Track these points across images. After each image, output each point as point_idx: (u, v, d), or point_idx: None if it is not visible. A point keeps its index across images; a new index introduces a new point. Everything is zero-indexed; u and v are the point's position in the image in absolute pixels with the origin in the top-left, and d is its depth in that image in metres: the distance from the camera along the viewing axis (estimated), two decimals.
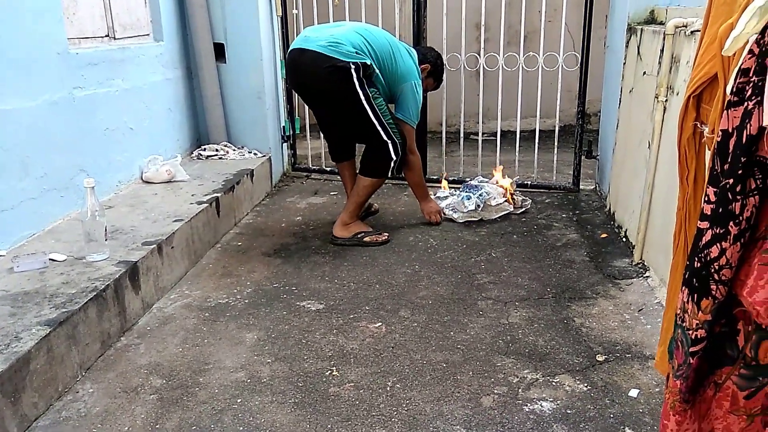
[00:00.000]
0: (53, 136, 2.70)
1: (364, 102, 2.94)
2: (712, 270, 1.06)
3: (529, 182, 3.96)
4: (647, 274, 2.68)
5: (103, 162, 3.09)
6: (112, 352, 2.19)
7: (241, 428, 1.80)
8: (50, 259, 2.37)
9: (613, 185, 3.41)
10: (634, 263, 2.80)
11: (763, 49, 0.97)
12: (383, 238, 3.16)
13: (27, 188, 2.57)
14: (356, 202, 3.21)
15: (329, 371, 2.08)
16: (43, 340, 1.86)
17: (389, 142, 3.08)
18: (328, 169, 4.38)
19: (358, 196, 3.21)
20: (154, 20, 3.65)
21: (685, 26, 2.40)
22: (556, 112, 3.88)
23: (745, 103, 0.99)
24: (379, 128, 3.04)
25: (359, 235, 3.14)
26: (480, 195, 3.48)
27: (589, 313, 2.41)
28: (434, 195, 3.64)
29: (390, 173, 3.20)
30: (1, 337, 1.85)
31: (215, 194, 3.26)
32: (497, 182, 3.64)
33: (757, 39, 0.99)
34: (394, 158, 3.13)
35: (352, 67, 2.87)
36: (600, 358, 2.11)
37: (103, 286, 2.18)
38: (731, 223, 1.02)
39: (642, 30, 2.98)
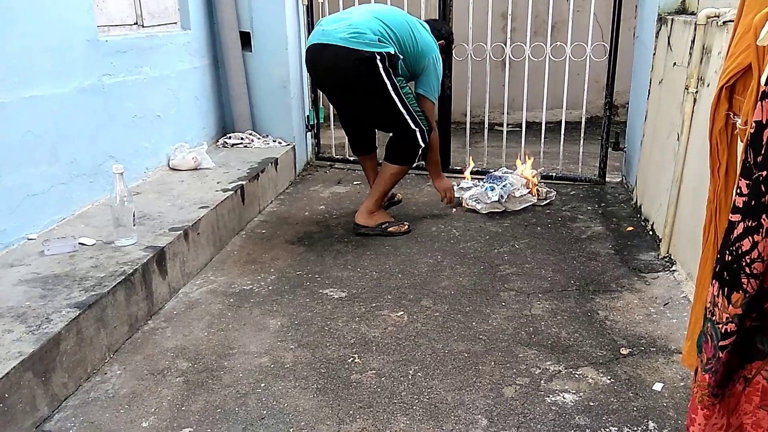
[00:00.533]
0: (82, 122, 2.75)
1: (392, 92, 2.93)
2: (744, 263, 1.04)
3: (554, 174, 3.93)
4: (674, 267, 2.65)
5: (131, 149, 3.13)
6: (139, 335, 2.24)
7: (265, 412, 1.83)
8: (80, 243, 2.42)
9: (641, 178, 3.37)
10: (660, 257, 2.76)
11: None
12: (405, 228, 3.15)
13: (57, 173, 2.62)
14: (382, 190, 3.19)
15: (351, 358, 2.09)
16: (73, 322, 1.90)
17: (417, 129, 3.07)
18: (352, 158, 4.38)
19: (384, 183, 3.18)
20: (182, 8, 3.68)
21: (717, 16, 2.34)
22: (583, 104, 3.83)
23: None
24: (407, 117, 3.03)
25: (383, 225, 3.13)
26: (504, 186, 3.46)
27: (613, 306, 2.39)
28: (457, 185, 3.63)
29: (416, 160, 3.18)
30: (33, 318, 1.89)
31: (240, 182, 3.29)
32: (521, 173, 3.61)
33: None
34: (422, 145, 3.11)
35: (378, 57, 2.86)
36: (624, 351, 2.10)
37: (131, 271, 2.22)
38: (764, 216, 1.00)
39: (673, 20, 2.93)
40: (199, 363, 2.07)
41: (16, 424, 1.66)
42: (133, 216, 2.46)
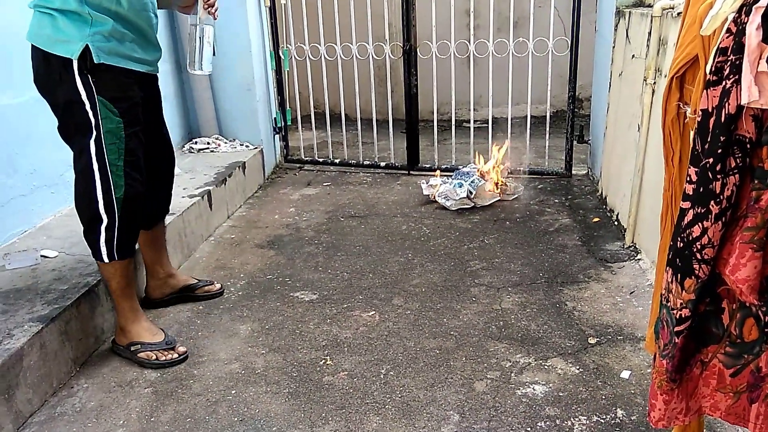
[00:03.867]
0: (41, 132, 2.68)
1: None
2: (695, 249, 1.06)
3: (521, 168, 3.96)
4: (639, 256, 2.70)
5: None
6: (105, 346, 2.20)
7: (236, 419, 1.81)
8: (42, 256, 2.37)
9: (605, 169, 3.42)
10: (625, 246, 2.81)
11: (740, 27, 0.97)
12: (169, 356, 2.09)
13: (16, 185, 2.57)
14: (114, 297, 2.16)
15: (323, 360, 2.09)
16: (36, 336, 1.86)
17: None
18: (321, 160, 4.38)
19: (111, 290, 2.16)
20: None
21: (672, 8, 2.39)
22: (548, 98, 3.87)
23: (724, 82, 1.00)
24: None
25: (132, 348, 2.11)
26: (472, 182, 3.49)
27: (581, 297, 2.42)
28: (427, 183, 3.65)
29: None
30: None
31: (207, 187, 3.25)
32: (480, 171, 3.63)
33: (734, 18, 0.99)
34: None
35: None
36: (592, 340, 2.13)
37: (94, 282, 2.18)
38: (712, 203, 1.02)
39: (630, 13, 2.97)
40: (168, 373, 2.05)
41: None
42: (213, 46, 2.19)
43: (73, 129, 1.95)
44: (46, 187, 2.74)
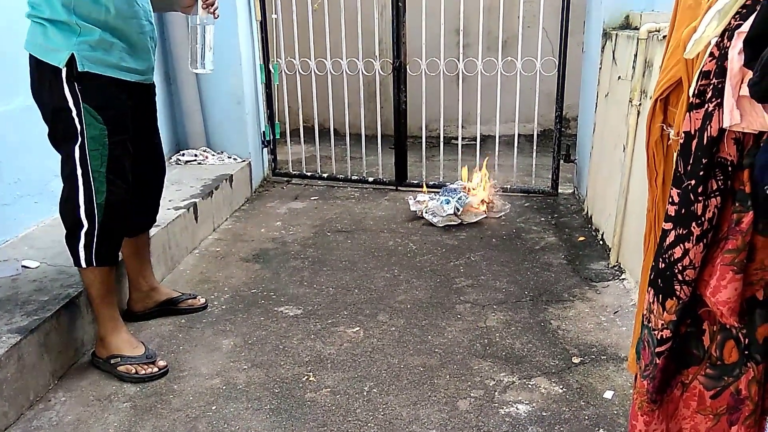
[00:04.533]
0: (27, 141, 2.66)
1: None
2: (676, 270, 1.07)
3: (508, 186, 3.98)
4: (623, 276, 2.71)
5: None
6: (85, 359, 2.16)
7: None
8: (23, 266, 2.34)
9: (591, 189, 3.44)
10: (610, 266, 2.82)
11: (723, 51, 0.98)
12: (149, 370, 2.06)
13: None
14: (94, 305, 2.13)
15: (306, 377, 2.07)
16: (14, 348, 1.83)
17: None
18: (309, 174, 4.37)
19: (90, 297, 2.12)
20: None
21: (658, 31, 2.43)
22: (535, 117, 3.90)
23: (706, 105, 1.01)
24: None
25: (112, 361, 2.07)
26: (459, 199, 3.49)
27: (565, 316, 2.42)
28: (414, 199, 3.65)
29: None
30: None
31: (193, 199, 3.24)
32: (466, 188, 3.64)
33: (717, 42, 1.00)
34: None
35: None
36: (576, 360, 2.12)
37: (75, 293, 2.15)
38: (694, 224, 1.03)
39: (617, 35, 3.01)
40: (148, 387, 2.02)
41: None
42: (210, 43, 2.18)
43: (60, 135, 1.96)
44: (30, 197, 2.71)
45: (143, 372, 2.05)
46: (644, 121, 2.46)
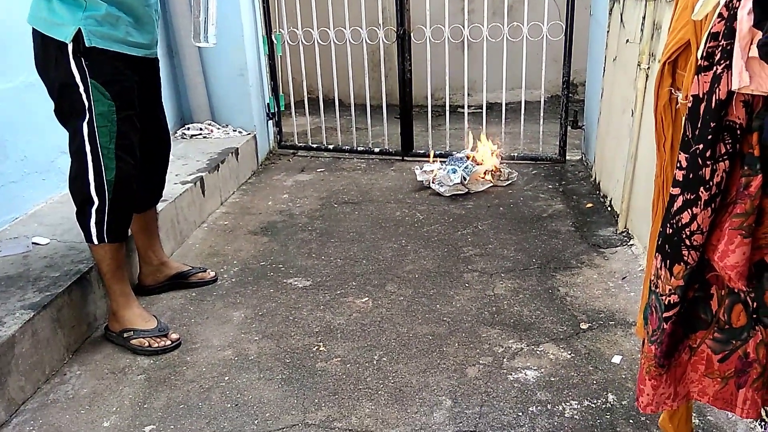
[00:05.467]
0: (32, 118, 2.66)
1: None
2: (684, 236, 1.06)
3: (515, 154, 3.96)
4: (631, 242, 2.70)
5: None
6: (98, 333, 2.19)
7: (229, 405, 1.82)
8: (33, 243, 2.36)
9: (599, 155, 3.41)
10: (618, 232, 2.81)
11: (732, 12, 0.96)
12: (162, 343, 2.09)
13: (7, 172, 2.55)
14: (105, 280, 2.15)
15: (316, 347, 2.09)
16: (28, 323, 1.86)
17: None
18: (315, 146, 4.36)
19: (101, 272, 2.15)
20: None
21: None
22: (542, 83, 3.85)
23: (715, 68, 0.99)
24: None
25: (125, 334, 2.11)
26: (465, 168, 3.48)
27: (573, 283, 2.43)
28: (421, 169, 3.64)
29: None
30: None
31: (200, 174, 3.24)
32: (472, 158, 3.62)
33: (726, 2, 0.98)
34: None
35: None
36: (584, 326, 2.13)
37: (86, 269, 2.17)
38: (701, 189, 1.02)
39: None
40: (161, 359, 2.05)
41: None
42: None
43: (67, 111, 1.96)
44: (38, 174, 2.72)
45: (156, 345, 2.08)
46: (652, 84, 2.43)
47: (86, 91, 1.89)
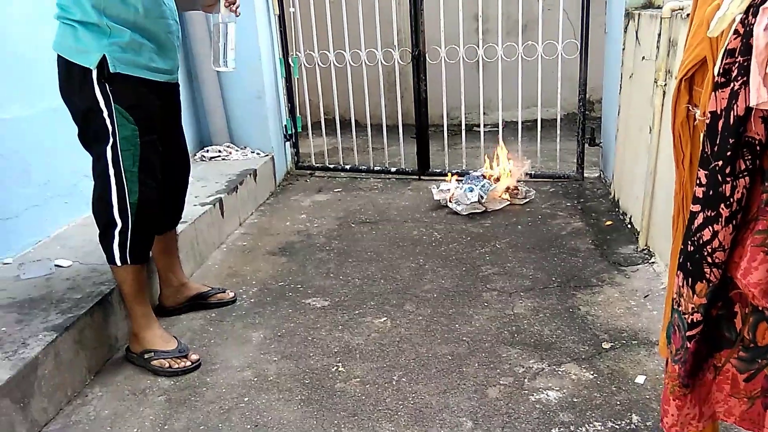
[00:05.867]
0: (54, 142, 2.72)
1: None
2: (705, 253, 1.05)
3: (532, 172, 3.95)
4: (653, 259, 2.67)
5: None
6: (119, 355, 2.21)
7: (249, 426, 1.81)
8: (56, 265, 2.39)
9: (617, 172, 3.39)
10: (639, 249, 2.78)
11: (748, 28, 0.96)
12: (182, 364, 2.11)
13: (30, 195, 2.60)
14: (126, 301, 2.18)
15: (335, 367, 2.09)
16: (50, 345, 1.88)
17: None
18: (332, 166, 4.39)
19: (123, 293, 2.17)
20: None
21: (682, 9, 2.37)
22: (558, 101, 3.85)
23: (732, 84, 0.99)
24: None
25: (146, 355, 2.12)
26: (482, 186, 3.48)
27: (594, 301, 2.40)
28: (438, 188, 3.64)
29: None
30: (9, 343, 1.87)
31: (219, 195, 3.27)
32: (489, 176, 3.62)
33: (741, 19, 0.98)
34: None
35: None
36: (606, 345, 2.11)
37: (108, 291, 2.20)
38: (722, 206, 1.01)
39: (639, 14, 2.96)
40: (181, 380, 2.06)
41: None
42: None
43: (91, 136, 2.00)
44: (60, 197, 2.77)
45: (176, 366, 2.09)
46: (670, 101, 2.42)
47: (110, 116, 1.93)
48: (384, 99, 4.18)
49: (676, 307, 1.16)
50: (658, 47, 2.56)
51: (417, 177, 4.17)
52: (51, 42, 1.97)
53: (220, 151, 4.03)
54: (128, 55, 1.92)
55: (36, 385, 1.81)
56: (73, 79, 1.94)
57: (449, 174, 3.85)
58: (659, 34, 2.54)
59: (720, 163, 1.00)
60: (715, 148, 1.03)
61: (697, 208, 1.06)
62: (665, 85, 2.51)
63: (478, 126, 4.25)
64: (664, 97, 2.52)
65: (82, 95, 1.93)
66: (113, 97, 1.92)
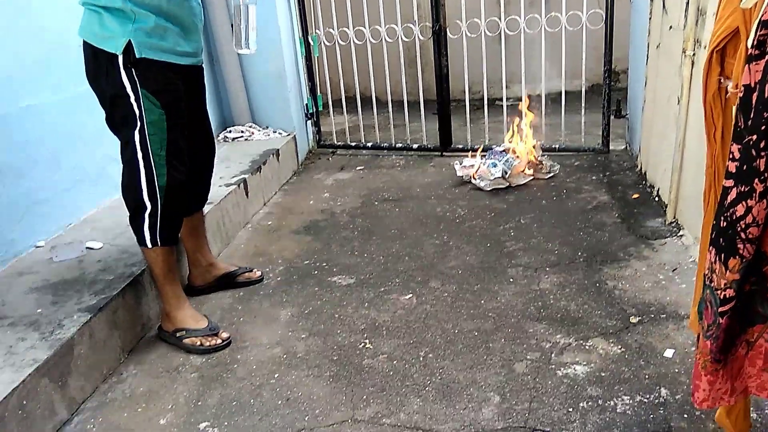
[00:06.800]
0: (82, 128, 2.76)
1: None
2: (739, 229, 1.04)
3: (557, 146, 3.90)
4: (681, 233, 2.64)
5: None
6: (152, 333, 2.26)
7: (280, 402, 1.85)
8: (87, 248, 2.45)
9: (644, 144, 3.34)
10: (667, 223, 2.75)
11: None
12: (213, 342, 2.15)
13: (60, 180, 2.65)
14: (158, 283, 2.22)
15: (362, 344, 2.11)
16: (85, 326, 1.93)
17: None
18: (353, 144, 4.38)
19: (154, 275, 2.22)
20: None
21: None
22: (582, 73, 3.79)
23: (767, 56, 0.96)
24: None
25: (178, 334, 2.17)
26: (506, 161, 3.45)
27: (621, 275, 2.39)
28: (460, 164, 3.62)
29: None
30: (45, 324, 1.92)
31: (243, 176, 3.30)
32: (512, 150, 3.59)
33: None
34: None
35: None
36: (634, 319, 2.10)
37: (139, 272, 2.24)
38: (756, 180, 0.99)
39: None
40: (213, 358, 2.10)
41: (37, 430, 1.70)
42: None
43: (119, 121, 2.02)
44: (89, 181, 2.82)
45: (208, 344, 2.14)
46: (699, 72, 2.36)
47: (137, 100, 1.95)
48: (405, 75, 4.15)
49: (708, 282, 1.15)
50: (686, 16, 2.49)
51: (439, 153, 4.15)
52: (77, 28, 1.98)
53: (242, 132, 4.05)
54: (153, 40, 1.93)
55: (72, 364, 1.87)
56: (99, 65, 1.95)
57: (474, 150, 3.82)
58: (687, 3, 2.47)
59: (754, 137, 0.98)
60: (749, 122, 1.00)
61: (730, 183, 1.05)
62: (694, 55, 2.45)
63: (501, 100, 4.20)
64: (692, 67, 2.46)
65: (108, 81, 1.95)
66: (140, 82, 1.93)
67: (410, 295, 2.40)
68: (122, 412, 1.86)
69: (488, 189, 3.39)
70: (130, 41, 1.89)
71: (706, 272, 1.17)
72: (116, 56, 1.91)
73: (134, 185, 2.02)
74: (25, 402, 1.66)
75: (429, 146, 4.20)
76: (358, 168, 4.06)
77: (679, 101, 2.58)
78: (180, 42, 2.02)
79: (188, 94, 2.12)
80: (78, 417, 1.85)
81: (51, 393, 1.77)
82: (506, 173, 3.42)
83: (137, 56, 1.91)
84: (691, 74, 2.47)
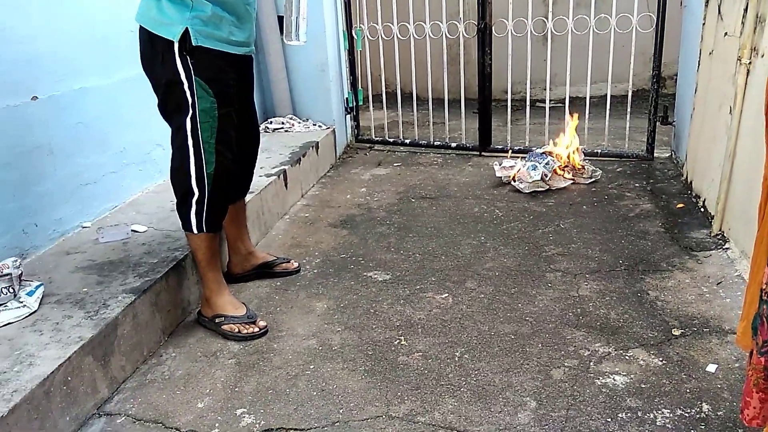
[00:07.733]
0: (129, 112, 2.81)
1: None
2: None
3: (599, 150, 3.84)
4: (727, 245, 2.57)
5: None
6: (191, 318, 2.30)
7: (315, 393, 1.86)
8: (132, 230, 2.49)
9: (691, 152, 3.26)
10: (712, 234, 2.69)
11: None
12: (251, 330, 2.17)
13: (107, 163, 2.70)
14: (200, 268, 2.24)
15: (397, 340, 2.11)
16: (129, 307, 1.97)
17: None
18: (392, 140, 4.38)
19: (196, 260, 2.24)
20: None
21: None
22: (629, 76, 3.72)
23: None
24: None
25: (217, 320, 2.19)
26: (546, 164, 3.41)
27: (664, 286, 2.34)
28: (499, 164, 3.59)
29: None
30: (91, 304, 1.97)
31: (282, 167, 3.33)
32: (552, 153, 3.54)
33: None
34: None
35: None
36: (676, 332, 2.06)
37: (182, 256, 2.28)
38: None
39: None
40: (250, 345, 2.13)
41: (79, 406, 1.74)
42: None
43: (172, 107, 2.05)
44: (135, 165, 2.88)
45: (245, 331, 2.16)
46: (755, 80, 2.30)
47: (190, 88, 1.97)
48: (446, 72, 4.13)
49: (765, 298, 1.12)
50: (743, 23, 2.43)
51: (478, 153, 4.13)
52: (127, 14, 2.01)
53: (283, 123, 4.08)
54: (209, 29, 1.96)
55: (116, 343, 1.91)
56: (155, 51, 1.98)
57: (509, 151, 3.79)
58: (745, 9, 2.41)
59: None
60: None
61: None
62: (750, 63, 2.38)
63: (542, 101, 4.15)
64: (748, 75, 2.40)
65: (164, 67, 1.98)
66: (194, 70, 1.96)
67: (446, 295, 2.39)
68: (161, 394, 1.90)
69: (527, 191, 3.36)
70: (187, 29, 1.92)
71: (763, 287, 1.14)
72: (173, 43, 1.93)
73: (183, 171, 2.05)
74: (69, 378, 1.70)
75: (468, 145, 4.18)
76: (395, 164, 4.06)
77: (731, 110, 2.52)
78: (234, 31, 2.04)
79: (238, 83, 2.15)
80: (118, 396, 1.89)
81: (94, 371, 1.81)
82: (546, 176, 3.38)
83: (193, 44, 1.93)
84: (746, 82, 2.41)
